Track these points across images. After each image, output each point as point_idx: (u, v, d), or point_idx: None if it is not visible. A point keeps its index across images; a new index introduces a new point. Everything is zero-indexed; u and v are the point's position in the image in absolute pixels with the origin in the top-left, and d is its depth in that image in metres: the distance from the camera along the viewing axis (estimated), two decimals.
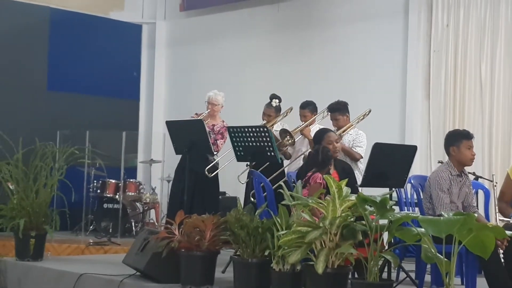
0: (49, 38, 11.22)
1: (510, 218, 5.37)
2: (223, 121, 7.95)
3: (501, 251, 5.08)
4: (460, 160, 5.59)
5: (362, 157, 7.03)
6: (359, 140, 7.13)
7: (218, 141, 7.80)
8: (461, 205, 5.61)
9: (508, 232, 3.91)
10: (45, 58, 11.17)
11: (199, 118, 7.61)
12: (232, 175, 7.59)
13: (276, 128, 7.68)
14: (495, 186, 5.52)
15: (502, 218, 5.59)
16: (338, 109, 7.28)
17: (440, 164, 6.12)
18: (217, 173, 7.79)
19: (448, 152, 5.65)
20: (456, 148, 5.58)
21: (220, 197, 9.38)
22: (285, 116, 7.90)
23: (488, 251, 3.72)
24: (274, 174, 6.83)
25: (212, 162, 7.57)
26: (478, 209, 6.03)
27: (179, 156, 7.54)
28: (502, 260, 5.08)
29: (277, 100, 7.82)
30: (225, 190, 9.54)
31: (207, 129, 7.61)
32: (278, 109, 7.84)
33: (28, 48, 10.96)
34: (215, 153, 7.63)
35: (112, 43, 11.73)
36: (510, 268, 5.03)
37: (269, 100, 7.87)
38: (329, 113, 7.41)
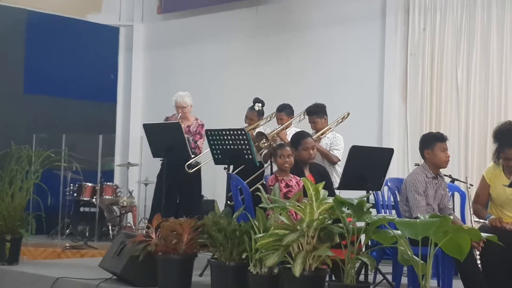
0: (25, 40, 11.16)
1: (485, 220, 5.40)
2: (196, 119, 7.92)
3: (477, 253, 5.10)
4: (435, 163, 5.63)
5: (339, 160, 7.05)
6: (336, 143, 7.15)
7: (198, 142, 7.78)
8: (437, 207, 5.64)
9: (483, 234, 3.93)
10: (22, 61, 11.10)
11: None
12: (210, 178, 7.58)
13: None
14: (469, 188, 5.55)
15: (477, 219, 5.63)
16: (316, 112, 7.30)
17: (416, 166, 6.15)
18: (200, 175, 7.78)
19: (423, 155, 5.68)
20: (430, 151, 5.62)
21: None
22: (268, 121, 7.91)
23: (463, 253, 3.73)
24: (252, 177, 6.84)
25: (194, 163, 7.56)
26: (454, 211, 6.07)
27: (157, 160, 7.51)
28: (479, 262, 5.10)
29: (259, 104, 7.83)
30: (203, 193, 9.52)
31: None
32: (260, 113, 7.85)
33: (5, 51, 10.88)
34: (194, 156, 7.61)
35: (89, 45, 11.69)
36: (487, 270, 5.06)
37: (251, 104, 7.88)
38: (307, 116, 7.43)
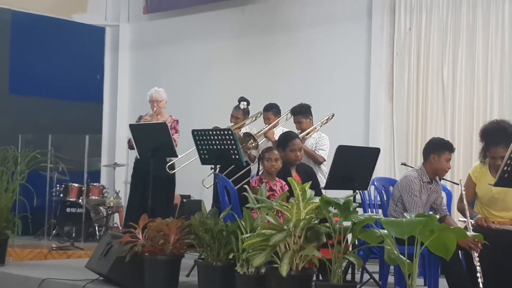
0: (10, 41, 11.11)
1: (472, 219, 5.41)
2: (170, 116, 7.85)
3: (476, 255, 5.02)
4: (435, 169, 5.59)
5: (325, 160, 7.05)
6: (321, 143, 7.15)
7: (174, 136, 7.74)
8: (428, 211, 5.63)
9: (469, 233, 3.94)
10: (7, 61, 11.05)
11: (148, 121, 7.55)
12: (197, 178, 7.57)
13: (244, 131, 7.68)
14: (464, 192, 5.51)
15: (463, 219, 5.64)
16: (301, 112, 7.30)
17: (411, 169, 6.12)
18: (174, 177, 7.74)
19: (427, 158, 5.64)
20: (437, 156, 5.56)
21: (184, 200, 9.36)
22: (253, 120, 7.90)
23: (449, 251, 3.75)
24: (238, 174, 6.85)
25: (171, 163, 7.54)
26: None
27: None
28: (478, 264, 5.01)
29: (245, 103, 7.84)
30: (190, 193, 9.51)
31: None
32: (246, 111, 7.85)
33: None
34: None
35: (75, 46, 11.64)
36: (473, 270, 5.04)
37: (236, 103, 7.88)
38: (292, 116, 7.44)
